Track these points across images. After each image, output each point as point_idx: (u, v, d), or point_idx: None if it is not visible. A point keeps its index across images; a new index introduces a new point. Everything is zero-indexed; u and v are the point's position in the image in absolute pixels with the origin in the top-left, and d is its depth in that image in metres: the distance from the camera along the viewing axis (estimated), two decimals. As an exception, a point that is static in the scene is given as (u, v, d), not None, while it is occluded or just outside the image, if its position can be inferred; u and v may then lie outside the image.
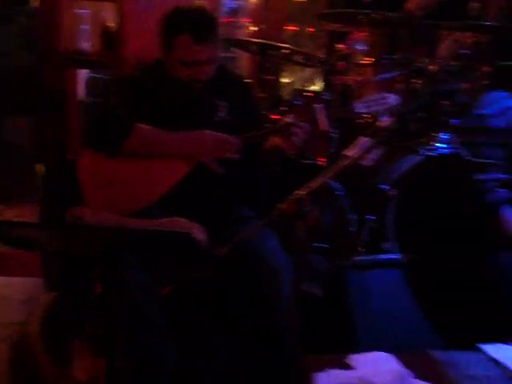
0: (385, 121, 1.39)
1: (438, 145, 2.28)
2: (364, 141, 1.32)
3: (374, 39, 2.81)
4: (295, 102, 2.06)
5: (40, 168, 2.99)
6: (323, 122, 1.72)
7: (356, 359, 1.42)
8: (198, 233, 1.42)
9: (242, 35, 4.02)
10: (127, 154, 1.74)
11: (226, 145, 1.74)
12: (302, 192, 1.25)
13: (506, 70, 2.39)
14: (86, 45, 3.03)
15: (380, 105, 1.56)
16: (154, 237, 1.09)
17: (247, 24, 4.08)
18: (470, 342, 1.52)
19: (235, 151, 1.74)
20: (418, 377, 1.34)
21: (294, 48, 2.62)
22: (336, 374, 1.35)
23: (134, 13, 2.80)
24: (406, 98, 1.83)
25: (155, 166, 1.78)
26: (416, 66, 2.35)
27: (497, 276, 1.73)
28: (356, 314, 1.89)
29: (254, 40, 2.87)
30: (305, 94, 2.59)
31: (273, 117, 2.21)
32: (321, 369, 1.38)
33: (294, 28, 4.51)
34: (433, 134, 2.31)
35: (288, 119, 1.77)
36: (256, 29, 3.95)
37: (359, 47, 2.27)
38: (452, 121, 2.35)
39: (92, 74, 3.28)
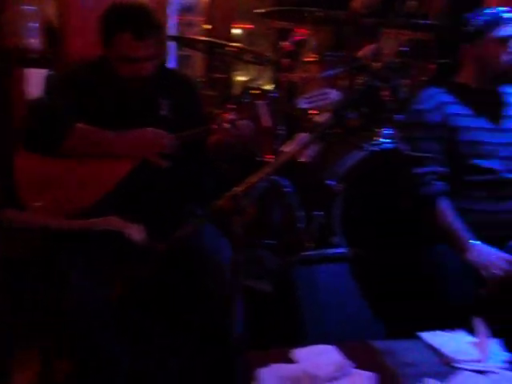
0: (321, 116, 1.41)
1: (381, 140, 2.34)
2: (301, 137, 1.33)
3: (318, 37, 2.86)
4: (243, 100, 2.06)
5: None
6: (266, 119, 1.72)
7: (299, 353, 1.43)
8: (134, 231, 1.40)
9: (193, 33, 4.00)
10: (67, 154, 1.70)
11: (165, 142, 1.73)
12: (238, 188, 1.24)
13: (442, 67, 2.48)
14: (33, 42, 2.94)
15: (321, 100, 1.58)
16: (87, 237, 1.07)
17: (199, 22, 4.06)
18: (410, 332, 1.56)
19: (175, 149, 1.73)
20: (359, 366, 1.36)
21: (241, 46, 2.62)
22: (279, 368, 1.36)
23: (77, 9, 2.74)
24: (347, 93, 1.87)
25: (97, 165, 1.75)
26: (359, 62, 2.39)
27: (432, 268, 1.78)
28: (304, 309, 1.91)
29: (201, 38, 2.86)
30: (252, 91, 2.58)
31: (218, 114, 2.21)
32: (265, 364, 1.39)
33: (249, 26, 4.52)
34: (377, 130, 2.37)
35: (230, 116, 1.77)
36: (209, 27, 3.94)
37: (303, 45, 2.29)
38: (395, 116, 2.43)
39: (51, 72, 3.20)
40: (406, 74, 2.45)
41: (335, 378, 1.32)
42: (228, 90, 3.01)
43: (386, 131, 2.36)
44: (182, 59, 4.01)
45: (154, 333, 1.75)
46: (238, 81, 4.22)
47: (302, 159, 1.62)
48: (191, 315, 1.64)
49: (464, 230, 1.79)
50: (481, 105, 1.91)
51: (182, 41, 3.00)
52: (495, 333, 1.50)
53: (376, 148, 2.24)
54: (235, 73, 4.26)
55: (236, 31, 4.66)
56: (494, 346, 1.45)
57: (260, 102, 1.76)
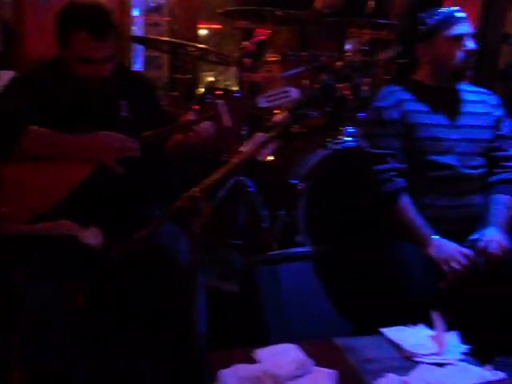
0: (279, 115, 1.41)
1: (344, 138, 2.36)
2: (258, 136, 1.33)
3: (281, 36, 2.87)
4: (205, 100, 2.05)
5: None
6: (226, 118, 1.72)
7: (261, 353, 1.43)
8: (88, 235, 1.38)
9: (159, 34, 3.97)
10: (21, 156, 1.66)
11: (126, 146, 1.70)
12: (196, 189, 1.24)
13: (402, 66, 2.51)
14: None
15: (281, 99, 1.57)
16: (41, 242, 1.04)
17: (165, 22, 4.04)
18: (374, 328, 1.57)
19: (134, 151, 1.70)
20: (320, 364, 1.37)
21: (203, 46, 2.60)
22: (240, 368, 1.35)
23: (34, 8, 2.68)
24: (305, 92, 1.87)
25: (54, 169, 1.71)
26: (321, 62, 2.41)
27: (393, 265, 1.79)
28: (268, 308, 1.91)
29: (164, 39, 2.84)
30: (215, 91, 2.58)
31: (180, 114, 2.20)
32: (228, 365, 1.38)
33: (217, 26, 4.52)
34: (340, 128, 2.39)
35: (190, 116, 1.76)
36: (175, 27, 3.92)
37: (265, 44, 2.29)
38: (358, 114, 2.45)
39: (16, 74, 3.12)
40: (368, 72, 2.48)
41: (296, 377, 1.33)
42: (192, 91, 2.99)
43: (348, 129, 2.39)
44: (149, 60, 3.98)
45: (117, 336, 1.72)
46: (208, 81, 4.22)
47: (260, 158, 1.61)
48: (153, 317, 1.62)
49: (424, 226, 1.81)
50: (438, 102, 1.94)
51: (145, 41, 2.97)
52: (454, 325, 1.53)
53: (339, 146, 2.26)
54: (206, 73, 4.25)
55: (203, 31, 4.66)
56: (452, 339, 1.48)
57: (220, 101, 1.76)
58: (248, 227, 2.32)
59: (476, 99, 1.99)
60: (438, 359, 1.39)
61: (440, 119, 1.92)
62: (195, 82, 3.33)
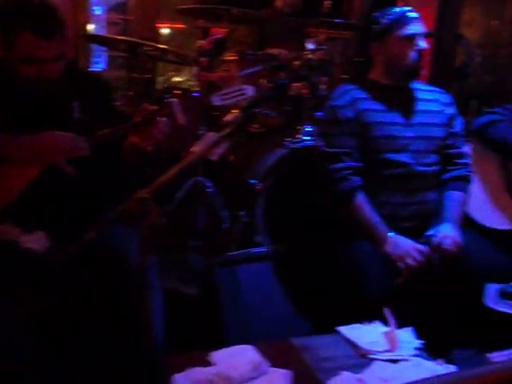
0: (231, 114, 1.39)
1: (302, 137, 2.36)
2: (210, 135, 1.31)
3: (240, 35, 2.86)
4: (164, 99, 2.02)
5: None
6: (180, 117, 1.69)
7: (217, 355, 1.41)
8: (31, 240, 1.33)
9: (119, 32, 3.91)
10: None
11: (74, 145, 1.66)
12: (144, 191, 1.21)
13: (360, 65, 2.53)
14: None
15: (236, 97, 1.55)
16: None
17: (126, 21, 3.98)
18: (331, 327, 1.57)
19: (85, 151, 1.66)
20: (276, 365, 1.36)
21: (159, 46, 2.56)
22: (195, 372, 1.33)
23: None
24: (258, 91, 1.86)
25: (2, 172, 1.65)
26: (279, 61, 2.40)
27: (350, 263, 1.80)
28: (227, 310, 1.89)
29: (120, 38, 2.78)
30: (173, 90, 2.55)
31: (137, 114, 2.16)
32: (183, 369, 1.36)
33: (179, 26, 4.47)
34: (298, 127, 2.40)
35: (148, 116, 1.72)
36: (134, 26, 3.86)
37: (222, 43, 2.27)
38: (316, 113, 2.46)
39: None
40: (325, 71, 2.49)
41: (251, 378, 1.31)
42: (151, 90, 2.95)
43: (306, 128, 2.39)
44: (112, 60, 3.91)
45: (69, 340, 1.67)
46: (173, 81, 4.18)
47: (213, 158, 1.59)
48: (105, 320, 1.58)
49: (380, 223, 1.83)
50: (392, 100, 1.96)
51: (100, 40, 2.91)
52: (409, 321, 1.55)
53: (296, 146, 2.26)
54: (172, 74, 4.21)
55: (166, 31, 4.61)
56: (406, 335, 1.49)
57: (174, 100, 1.73)
58: (207, 228, 2.30)
59: (429, 98, 2.02)
60: (392, 356, 1.40)
61: (395, 117, 1.94)
62: (154, 82, 3.28)
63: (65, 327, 1.61)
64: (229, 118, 1.39)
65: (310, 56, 2.48)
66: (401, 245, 1.80)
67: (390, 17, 1.92)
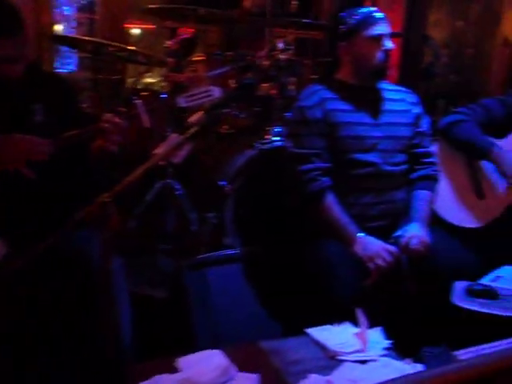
0: (194, 116, 1.37)
1: (272, 138, 2.35)
2: (173, 137, 1.29)
3: (209, 35, 2.83)
4: (130, 101, 1.98)
5: None
6: (145, 119, 1.66)
7: (184, 361, 1.38)
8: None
9: (87, 33, 3.84)
10: None
11: (36, 148, 1.61)
12: (105, 195, 1.18)
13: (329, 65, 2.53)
14: None
15: (203, 98, 1.52)
16: None
17: (94, 21, 3.91)
18: (302, 328, 1.56)
19: (45, 154, 1.61)
20: (244, 369, 1.34)
21: (124, 46, 2.52)
22: (161, 379, 1.30)
23: None
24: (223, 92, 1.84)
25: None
26: (247, 61, 2.38)
27: (319, 264, 1.79)
28: (197, 314, 1.86)
29: (84, 38, 2.73)
30: (141, 92, 2.51)
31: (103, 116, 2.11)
32: (148, 376, 1.33)
33: (149, 26, 4.41)
34: (267, 128, 2.38)
35: (108, 117, 1.68)
36: (99, 26, 3.79)
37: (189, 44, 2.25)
38: (285, 114, 2.45)
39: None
40: (294, 72, 2.48)
41: (218, 384, 1.29)
42: (118, 92, 2.90)
43: (276, 129, 2.38)
44: (82, 61, 3.83)
45: (31, 347, 1.62)
46: (146, 82, 4.12)
47: (176, 161, 1.56)
48: (68, 326, 1.54)
49: (350, 224, 1.82)
50: (360, 100, 1.96)
51: (65, 41, 2.84)
52: (378, 321, 1.55)
53: (266, 146, 2.25)
54: (144, 75, 4.15)
55: (137, 31, 4.55)
56: (375, 335, 1.49)
57: (139, 101, 1.70)
58: (176, 231, 2.27)
59: (396, 97, 2.03)
60: (361, 356, 1.40)
61: (362, 117, 1.95)
62: (123, 83, 3.23)
63: (27, 333, 1.56)
64: (192, 119, 1.36)
65: (279, 56, 2.47)
66: (370, 245, 1.79)
67: (356, 17, 1.92)
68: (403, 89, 2.09)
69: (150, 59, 2.62)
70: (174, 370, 1.37)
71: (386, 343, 1.47)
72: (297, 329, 1.59)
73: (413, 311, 1.78)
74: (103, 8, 3.75)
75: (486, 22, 3.61)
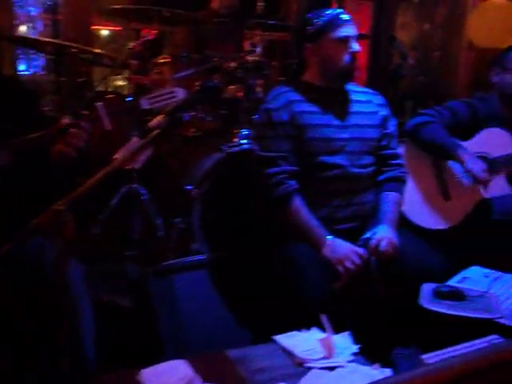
0: (155, 120, 1.32)
1: (240, 141, 2.32)
2: (133, 142, 1.24)
3: (176, 37, 2.78)
4: (92, 104, 1.92)
5: None
6: (106, 122, 1.61)
7: (147, 373, 1.33)
8: None
9: (51, 34, 3.75)
10: None
11: None
12: (60, 202, 1.12)
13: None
14: None
15: (166, 100, 1.47)
16: None
17: (55, 22, 3.82)
18: (270, 334, 1.53)
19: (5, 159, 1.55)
20: (209, 379, 1.30)
21: (84, 47, 2.44)
22: (122, 393, 1.25)
23: None
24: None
25: None
26: (213, 63, 2.35)
27: (286, 268, 1.77)
28: (163, 322, 1.82)
29: (44, 39, 2.64)
30: (106, 94, 2.44)
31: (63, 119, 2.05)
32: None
33: (116, 27, 4.33)
34: (234, 131, 2.35)
35: (66, 120, 1.62)
36: (62, 27, 3.71)
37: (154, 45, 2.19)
38: (252, 116, 2.42)
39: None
40: (261, 73, 2.45)
41: (182, 396, 1.25)
42: (82, 94, 2.82)
43: (243, 132, 2.35)
44: (50, 63, 3.73)
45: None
46: (116, 85, 4.04)
47: (136, 166, 1.51)
48: (25, 336, 1.47)
49: (318, 227, 1.80)
50: (327, 102, 1.94)
51: (24, 42, 2.75)
52: (347, 326, 1.53)
53: (233, 149, 2.22)
54: (115, 77, 4.07)
55: (105, 32, 4.47)
56: (343, 340, 1.47)
57: (99, 104, 1.64)
58: (143, 237, 2.21)
59: (363, 99, 2.02)
60: (328, 363, 1.37)
61: (330, 119, 1.93)
62: (88, 86, 3.15)
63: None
64: (153, 123, 1.32)
65: (245, 58, 2.44)
66: (339, 248, 1.77)
67: (323, 19, 1.90)
68: (370, 91, 2.08)
69: (115, 61, 2.55)
70: (136, 382, 1.32)
71: (355, 348, 1.44)
72: (266, 334, 1.56)
73: (381, 314, 1.77)
74: (67, 9, 3.67)
75: (451, 26, 3.67)
